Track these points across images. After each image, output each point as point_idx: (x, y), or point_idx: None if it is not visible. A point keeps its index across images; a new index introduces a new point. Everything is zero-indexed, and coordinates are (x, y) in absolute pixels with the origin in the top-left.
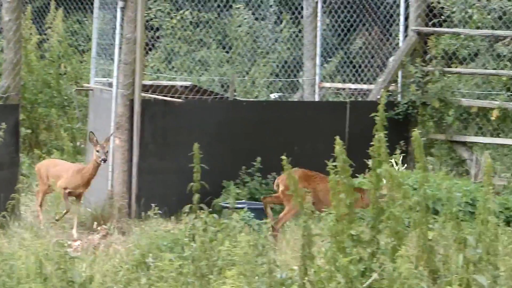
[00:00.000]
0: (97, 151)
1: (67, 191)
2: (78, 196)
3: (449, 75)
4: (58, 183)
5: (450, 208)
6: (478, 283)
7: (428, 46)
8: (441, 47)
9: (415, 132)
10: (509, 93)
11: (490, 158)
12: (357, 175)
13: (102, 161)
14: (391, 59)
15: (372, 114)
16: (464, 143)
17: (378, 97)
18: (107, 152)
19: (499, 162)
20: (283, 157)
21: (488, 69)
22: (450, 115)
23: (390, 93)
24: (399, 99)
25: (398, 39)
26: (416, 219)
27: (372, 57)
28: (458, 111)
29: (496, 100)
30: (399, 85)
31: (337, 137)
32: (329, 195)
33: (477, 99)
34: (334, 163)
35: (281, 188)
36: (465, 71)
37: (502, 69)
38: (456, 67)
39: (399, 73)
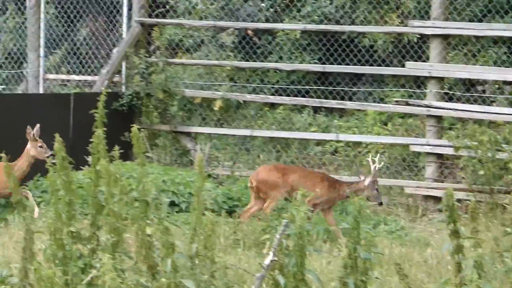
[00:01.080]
0: (40, 147)
1: None
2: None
3: (173, 66)
4: None
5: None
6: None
7: (152, 36)
8: (165, 37)
9: (134, 128)
10: (232, 84)
11: (214, 148)
12: (81, 167)
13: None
14: (115, 50)
15: (92, 111)
16: (188, 134)
17: (102, 88)
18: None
19: (223, 151)
20: (2, 154)
21: (211, 59)
22: (174, 106)
23: (114, 84)
24: (123, 90)
25: (123, 30)
26: (134, 215)
27: (97, 48)
28: (182, 102)
29: (219, 91)
30: (123, 76)
31: (57, 134)
32: (303, 185)
33: (200, 90)
34: (53, 160)
35: (254, 184)
36: (189, 62)
37: (225, 59)
38: (180, 58)
39: (123, 64)
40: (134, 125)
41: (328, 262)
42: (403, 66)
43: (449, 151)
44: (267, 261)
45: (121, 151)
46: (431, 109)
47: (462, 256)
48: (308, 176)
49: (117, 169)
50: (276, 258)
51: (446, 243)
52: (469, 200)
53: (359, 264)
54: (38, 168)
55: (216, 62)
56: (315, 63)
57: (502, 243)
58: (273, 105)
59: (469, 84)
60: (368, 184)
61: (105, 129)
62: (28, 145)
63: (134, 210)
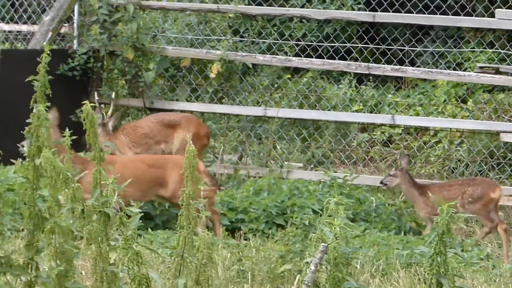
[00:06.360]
0: None
1: None
2: None
3: (149, 11)
4: None
5: None
6: None
7: None
8: None
9: (87, 105)
10: (236, 39)
11: (210, 133)
12: (12, 160)
13: None
14: None
15: (29, 78)
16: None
17: (44, 43)
18: None
19: (223, 139)
20: None
21: (206, 2)
22: (150, 71)
23: (62, 38)
24: (75, 46)
25: None
26: (92, 233)
27: None
28: (162, 65)
29: (217, 49)
30: (75, 26)
31: None
32: None
33: (190, 48)
34: None
35: None
36: (172, 6)
37: (227, 2)
38: (160, 0)
39: (76, 9)
40: (86, 101)
41: None
42: (492, 15)
43: None
44: None
45: (73, 137)
46: None
47: None
48: None
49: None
50: None
51: None
52: None
53: None
54: None
55: (213, 6)
56: (361, 9)
57: None
58: (297, 71)
59: None
60: None
61: (48, 104)
62: None
63: (92, 225)
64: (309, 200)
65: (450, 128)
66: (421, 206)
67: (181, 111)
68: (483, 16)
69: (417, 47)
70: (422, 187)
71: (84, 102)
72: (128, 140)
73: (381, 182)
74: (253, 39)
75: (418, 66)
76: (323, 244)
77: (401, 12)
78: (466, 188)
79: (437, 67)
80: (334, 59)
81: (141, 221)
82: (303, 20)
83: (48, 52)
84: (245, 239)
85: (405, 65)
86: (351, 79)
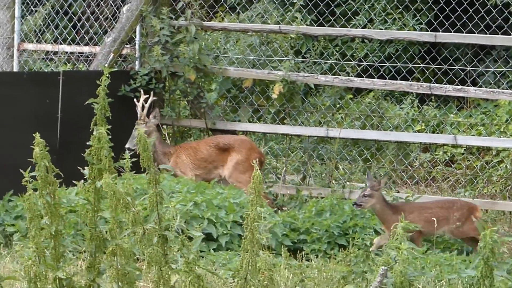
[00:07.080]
0: None
1: None
2: None
3: (211, 32)
4: None
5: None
6: None
7: None
8: None
9: (139, 129)
10: (298, 60)
11: (271, 154)
12: (75, 182)
13: None
14: (124, 8)
15: (89, 101)
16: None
17: (106, 65)
18: None
19: (285, 160)
20: None
21: (268, 23)
22: (212, 92)
23: (124, 59)
24: (137, 67)
25: None
26: (153, 255)
27: (98, 4)
28: (224, 86)
29: (279, 70)
30: (136, 47)
31: (37, 134)
32: None
33: (252, 68)
34: (33, 173)
35: None
36: (234, 26)
37: (289, 23)
38: (221, 20)
39: (137, 29)
40: (139, 124)
41: None
42: None
43: None
44: None
45: (133, 159)
46: None
47: None
48: None
49: (127, 186)
50: None
51: None
52: None
53: None
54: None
55: (275, 26)
56: (423, 29)
57: None
58: (359, 91)
59: None
60: None
61: (109, 126)
62: None
63: (152, 248)
64: (371, 220)
65: None
66: (391, 225)
67: (243, 132)
68: None
69: (479, 67)
70: (395, 206)
71: (137, 127)
72: (189, 161)
73: (355, 204)
74: (315, 60)
75: (480, 86)
76: (383, 267)
77: (462, 32)
78: (451, 212)
79: (499, 87)
80: (396, 79)
81: (203, 243)
82: (365, 40)
83: (108, 75)
84: (307, 260)
85: (467, 85)
86: (413, 99)
